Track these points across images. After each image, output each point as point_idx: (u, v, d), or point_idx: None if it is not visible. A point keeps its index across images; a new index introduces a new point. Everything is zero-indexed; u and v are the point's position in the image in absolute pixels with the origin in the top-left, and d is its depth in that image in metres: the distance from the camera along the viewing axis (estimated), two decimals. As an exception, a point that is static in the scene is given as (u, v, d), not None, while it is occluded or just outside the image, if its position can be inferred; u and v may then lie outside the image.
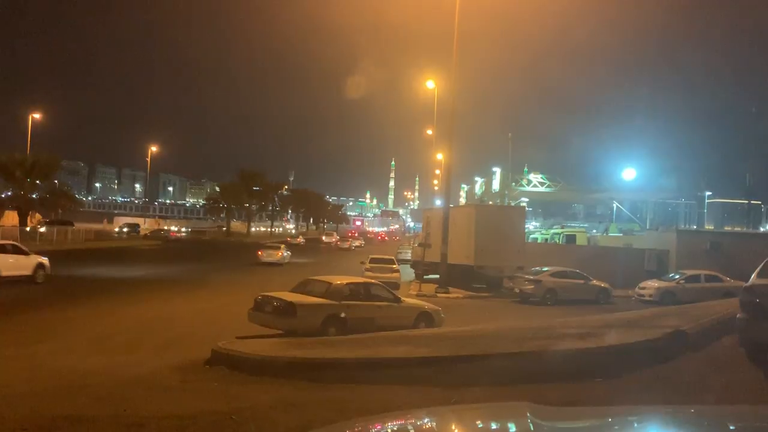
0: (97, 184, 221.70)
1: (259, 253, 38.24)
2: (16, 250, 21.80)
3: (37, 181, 46.71)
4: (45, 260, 22.53)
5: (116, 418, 6.76)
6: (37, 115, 55.39)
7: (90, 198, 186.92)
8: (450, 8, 26.17)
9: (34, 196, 46.88)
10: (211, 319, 15.59)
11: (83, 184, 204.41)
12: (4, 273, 20.36)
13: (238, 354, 9.32)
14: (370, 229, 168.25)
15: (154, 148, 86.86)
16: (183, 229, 79.81)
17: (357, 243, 70.83)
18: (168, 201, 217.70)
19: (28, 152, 48.25)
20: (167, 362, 9.60)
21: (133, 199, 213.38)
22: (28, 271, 21.51)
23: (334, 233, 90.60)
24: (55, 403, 7.21)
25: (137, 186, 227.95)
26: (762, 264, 8.93)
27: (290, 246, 47.31)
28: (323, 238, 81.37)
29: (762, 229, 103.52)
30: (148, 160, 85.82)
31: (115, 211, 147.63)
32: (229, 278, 28.56)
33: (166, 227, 77.20)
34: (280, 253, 38.63)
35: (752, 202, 73.49)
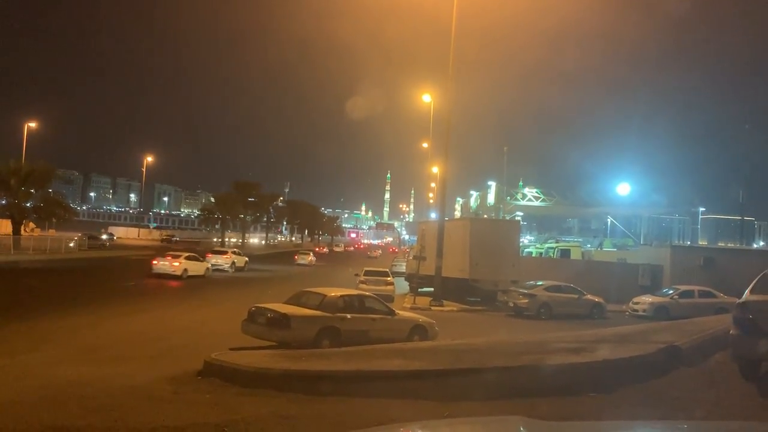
0: (92, 194, 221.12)
1: (295, 257, 54.40)
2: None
3: (32, 190, 46.57)
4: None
5: (107, 429, 6.72)
6: (32, 124, 55.39)
7: (84, 207, 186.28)
8: (447, 25, 26.39)
9: (28, 204, 46.74)
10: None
11: (78, 193, 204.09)
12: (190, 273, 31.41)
13: (231, 365, 9.27)
14: (365, 241, 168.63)
15: (149, 158, 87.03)
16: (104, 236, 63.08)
17: (379, 252, 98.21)
18: (163, 211, 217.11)
19: (23, 161, 48.16)
20: (160, 373, 9.54)
21: (127, 208, 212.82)
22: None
23: (342, 244, 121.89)
24: (45, 413, 7.15)
25: (132, 196, 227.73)
26: (755, 280, 8.97)
27: (316, 253, 63.73)
28: (334, 248, 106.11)
29: (755, 246, 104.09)
30: (143, 170, 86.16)
31: (110, 221, 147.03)
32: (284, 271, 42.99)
33: (105, 235, 65.87)
34: (310, 258, 54.25)
35: (745, 218, 73.84)
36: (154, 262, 30.97)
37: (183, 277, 30.36)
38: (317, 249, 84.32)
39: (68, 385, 8.74)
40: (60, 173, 58.84)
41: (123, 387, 8.70)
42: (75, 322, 15.71)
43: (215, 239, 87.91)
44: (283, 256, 64.13)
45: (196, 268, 32.24)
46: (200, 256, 34.37)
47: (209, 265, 34.27)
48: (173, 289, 27.60)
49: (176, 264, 31.00)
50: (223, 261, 38.71)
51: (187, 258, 32.09)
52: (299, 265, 51.27)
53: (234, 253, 41.19)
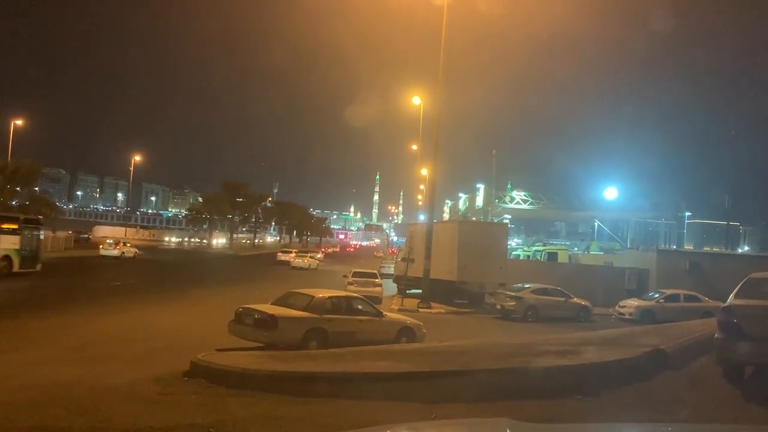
0: (79, 193, 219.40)
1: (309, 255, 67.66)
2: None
3: (18, 188, 46.13)
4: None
5: (92, 430, 6.66)
6: (19, 122, 54.80)
7: (71, 206, 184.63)
8: (437, 28, 26.47)
9: (13, 203, 46.30)
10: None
11: (64, 192, 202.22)
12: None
13: (217, 366, 9.22)
14: (354, 242, 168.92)
15: (137, 158, 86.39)
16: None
17: (381, 252, 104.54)
18: (150, 210, 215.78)
19: (9, 159, 47.67)
20: (146, 373, 9.47)
21: (115, 208, 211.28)
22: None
23: (338, 245, 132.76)
24: (28, 414, 7.08)
25: (119, 195, 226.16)
26: (740, 285, 9.05)
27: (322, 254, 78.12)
28: (331, 250, 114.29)
29: (740, 251, 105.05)
30: (131, 169, 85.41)
31: (97, 220, 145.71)
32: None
33: None
34: (318, 256, 64.89)
35: (730, 223, 74.57)
36: (292, 260, 50.77)
37: (309, 269, 48.10)
38: (323, 249, 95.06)
39: (53, 385, 8.66)
40: (46, 171, 58.08)
41: (108, 387, 8.63)
42: (61, 321, 15.57)
43: (167, 238, 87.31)
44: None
45: (314, 263, 51.51)
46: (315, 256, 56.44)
47: (318, 261, 54.09)
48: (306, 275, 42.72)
49: (306, 261, 50.40)
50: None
51: (311, 257, 52.93)
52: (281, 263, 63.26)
53: (294, 252, 60.02)
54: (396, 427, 4.42)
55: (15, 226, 27.39)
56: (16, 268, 26.50)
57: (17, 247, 27.02)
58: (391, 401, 7.82)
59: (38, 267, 28.36)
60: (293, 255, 53.29)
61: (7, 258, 26.29)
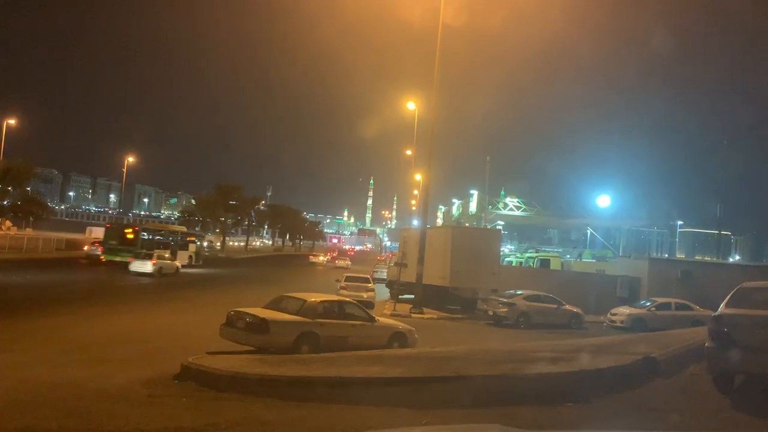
0: (71, 193, 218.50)
1: (309, 257, 79.90)
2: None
3: (9, 188, 45.85)
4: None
5: (80, 432, 6.62)
6: (12, 122, 54.58)
7: (63, 207, 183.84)
8: (434, 34, 26.54)
9: (5, 203, 46.04)
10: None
11: (56, 192, 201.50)
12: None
13: (207, 369, 9.18)
14: (347, 246, 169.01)
15: (130, 159, 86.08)
16: None
17: (383, 255, 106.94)
18: (143, 212, 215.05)
19: (0, 158, 47.46)
20: (136, 376, 9.41)
21: (107, 209, 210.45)
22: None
23: (336, 249, 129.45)
24: (17, 415, 7.02)
25: (112, 196, 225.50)
26: (730, 294, 9.10)
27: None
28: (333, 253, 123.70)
29: (731, 260, 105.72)
30: (124, 170, 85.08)
31: (89, 221, 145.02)
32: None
33: None
34: (320, 259, 75.76)
35: (722, 232, 75.01)
36: (335, 261, 67.02)
37: (347, 268, 56.32)
38: (329, 253, 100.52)
39: (42, 387, 8.59)
40: (39, 172, 57.89)
41: (98, 390, 8.57)
42: (54, 323, 15.46)
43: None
44: (292, 258, 79.35)
45: (349, 263, 64.01)
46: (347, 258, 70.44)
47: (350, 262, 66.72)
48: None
49: (345, 262, 64.52)
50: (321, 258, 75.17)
51: (351, 259, 69.54)
52: (312, 263, 72.35)
53: (321, 256, 76.73)
54: (387, 432, 4.40)
55: (193, 239, 47.44)
56: (193, 263, 43.74)
57: (194, 251, 45.65)
58: (382, 406, 7.80)
59: (200, 262, 45.74)
60: (321, 258, 73.65)
61: (190, 257, 44.03)
